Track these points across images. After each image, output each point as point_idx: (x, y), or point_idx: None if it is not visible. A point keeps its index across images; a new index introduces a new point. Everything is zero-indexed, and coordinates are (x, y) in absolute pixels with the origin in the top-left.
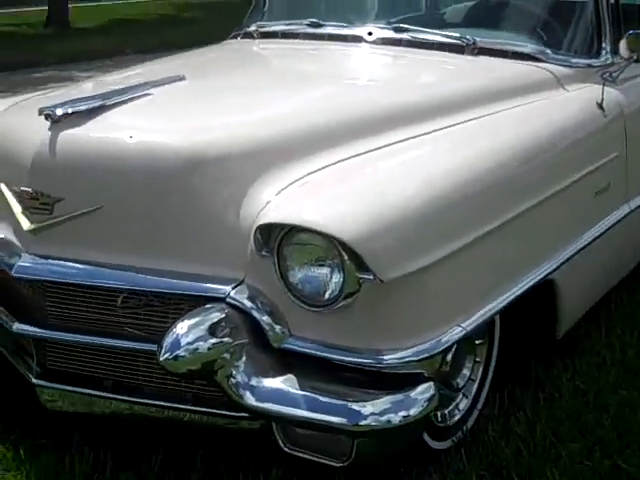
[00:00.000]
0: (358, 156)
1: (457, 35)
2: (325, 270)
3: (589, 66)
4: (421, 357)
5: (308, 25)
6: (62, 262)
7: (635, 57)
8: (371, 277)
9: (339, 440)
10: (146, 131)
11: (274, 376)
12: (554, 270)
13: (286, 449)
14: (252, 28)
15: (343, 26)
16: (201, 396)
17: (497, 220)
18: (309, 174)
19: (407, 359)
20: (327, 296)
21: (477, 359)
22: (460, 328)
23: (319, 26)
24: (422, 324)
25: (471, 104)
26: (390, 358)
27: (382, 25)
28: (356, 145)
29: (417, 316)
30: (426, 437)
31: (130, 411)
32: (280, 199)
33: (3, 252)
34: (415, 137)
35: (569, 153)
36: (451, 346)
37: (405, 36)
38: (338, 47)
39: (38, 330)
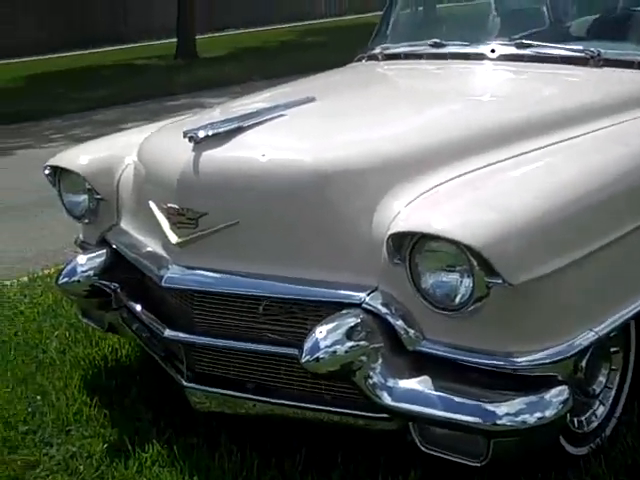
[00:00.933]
0: (482, 169)
1: (580, 48)
2: (455, 275)
3: None
4: (553, 360)
5: (431, 45)
6: (207, 272)
7: None
8: (500, 281)
9: (476, 440)
10: (280, 150)
11: (409, 377)
12: None
13: (423, 449)
14: (377, 50)
15: (465, 45)
16: (339, 397)
17: (623, 228)
18: (436, 186)
19: (539, 362)
20: (458, 300)
21: (613, 367)
22: (593, 333)
23: (441, 46)
24: (554, 328)
25: (594, 116)
26: (523, 360)
27: (504, 42)
28: (480, 158)
29: (548, 319)
30: (563, 442)
31: (272, 412)
32: (410, 209)
33: (153, 264)
34: (537, 149)
35: None
36: (584, 351)
37: (527, 52)
38: (461, 65)
39: (187, 336)
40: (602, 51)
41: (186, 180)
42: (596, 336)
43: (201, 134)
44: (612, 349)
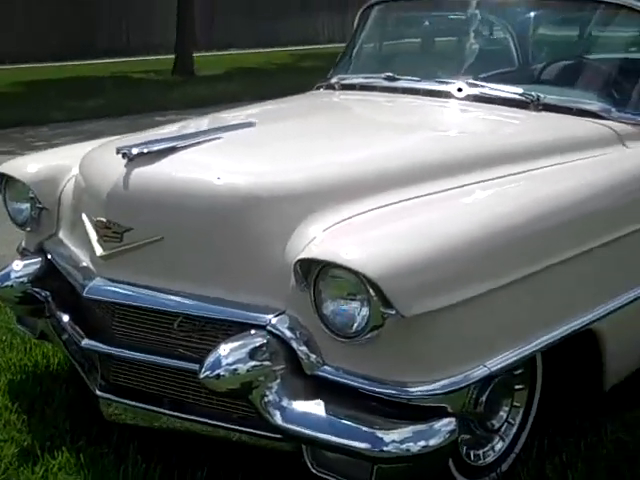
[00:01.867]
0: (403, 202)
1: (520, 91)
2: (354, 304)
3: None
4: (444, 392)
5: (384, 79)
6: (127, 286)
7: None
8: (394, 312)
9: (362, 465)
10: (206, 171)
11: (305, 400)
12: (595, 321)
13: (314, 471)
14: (334, 80)
15: (416, 80)
16: (246, 417)
17: (528, 268)
18: (353, 216)
19: (430, 393)
20: (354, 328)
21: (516, 403)
22: (485, 368)
23: (394, 80)
24: (447, 360)
25: (521, 158)
26: (415, 391)
27: (452, 81)
28: (405, 191)
29: (442, 352)
30: (456, 473)
31: (185, 428)
32: (320, 237)
33: (79, 275)
34: (465, 186)
35: (622, 207)
36: (479, 385)
37: (474, 91)
38: (407, 100)
39: (104, 346)
40: (542, 96)
41: (114, 195)
42: (488, 371)
43: (134, 151)
44: (517, 386)
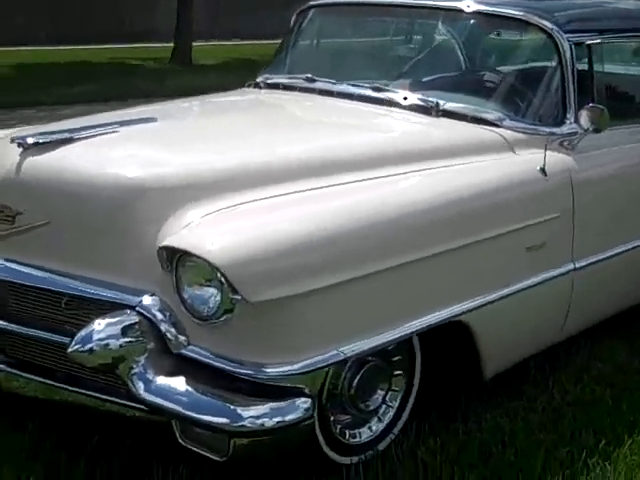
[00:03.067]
0: (279, 196)
1: (421, 97)
2: (208, 289)
3: (550, 134)
4: (298, 373)
5: (304, 80)
6: (21, 266)
7: (594, 128)
8: (239, 298)
9: (222, 438)
10: (92, 161)
11: (170, 377)
12: (464, 313)
13: (182, 442)
14: (260, 79)
15: (331, 82)
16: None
17: (387, 262)
18: (224, 208)
19: (284, 374)
20: (209, 312)
21: (395, 388)
22: (339, 352)
23: (313, 81)
24: (302, 344)
25: (409, 159)
26: (271, 371)
27: (364, 84)
28: (283, 186)
29: (296, 336)
30: (327, 450)
31: (75, 401)
32: (187, 227)
33: None
34: (345, 184)
35: (497, 208)
36: (328, 367)
37: (380, 95)
38: (320, 100)
39: (2, 322)
40: (441, 102)
41: (8, 180)
42: (342, 356)
43: (30, 140)
44: (395, 372)
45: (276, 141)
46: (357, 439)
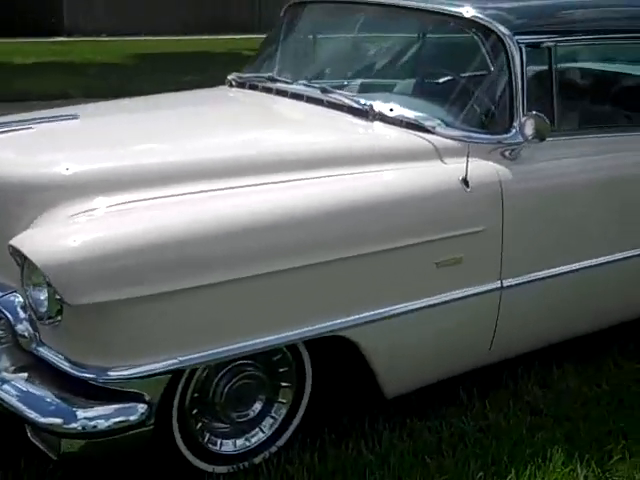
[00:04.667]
0: (143, 200)
1: (359, 100)
2: (42, 290)
3: (488, 142)
4: (132, 378)
5: (266, 79)
6: None
7: (535, 137)
8: (61, 300)
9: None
10: None
11: (18, 373)
12: (347, 328)
13: (30, 438)
14: (231, 77)
15: (287, 82)
16: None
17: (238, 272)
18: (83, 212)
19: (121, 379)
20: (45, 313)
21: (282, 400)
22: (177, 360)
23: (273, 81)
24: (138, 350)
25: (324, 164)
26: (108, 375)
27: (314, 85)
28: (156, 190)
29: (130, 342)
30: (191, 457)
31: None
32: (38, 228)
33: None
34: (232, 188)
35: (401, 219)
36: (166, 374)
37: (327, 97)
38: (269, 100)
39: None
40: (375, 106)
41: None
42: (179, 365)
43: None
44: (283, 383)
45: (178, 142)
46: (230, 448)
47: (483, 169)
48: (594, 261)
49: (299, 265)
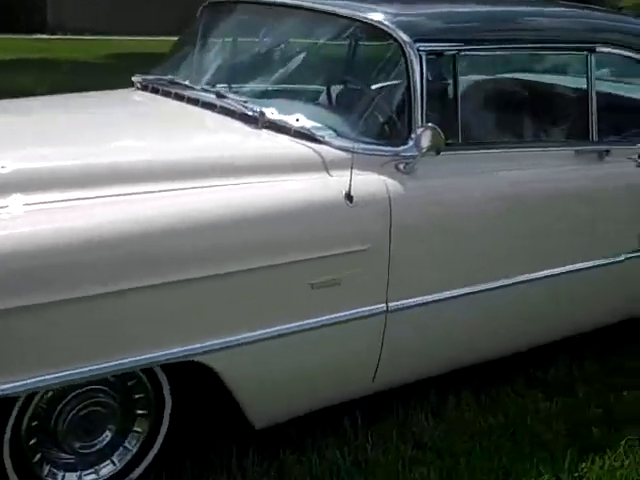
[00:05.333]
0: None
1: (250, 106)
2: None
3: (382, 154)
4: None
5: (168, 82)
6: None
7: (430, 150)
8: None
9: None
10: None
11: None
12: (201, 354)
13: None
14: (136, 78)
15: (188, 86)
16: None
17: (66, 294)
18: None
19: None
20: None
21: (137, 429)
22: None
23: (174, 84)
24: None
25: (199, 173)
26: None
27: (211, 89)
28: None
29: None
30: None
31: None
32: None
33: None
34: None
35: (269, 237)
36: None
37: (221, 103)
38: (165, 105)
39: None
40: (266, 113)
41: None
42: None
43: None
44: (139, 411)
45: (49, 146)
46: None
47: (372, 183)
48: (492, 284)
49: (150, 284)
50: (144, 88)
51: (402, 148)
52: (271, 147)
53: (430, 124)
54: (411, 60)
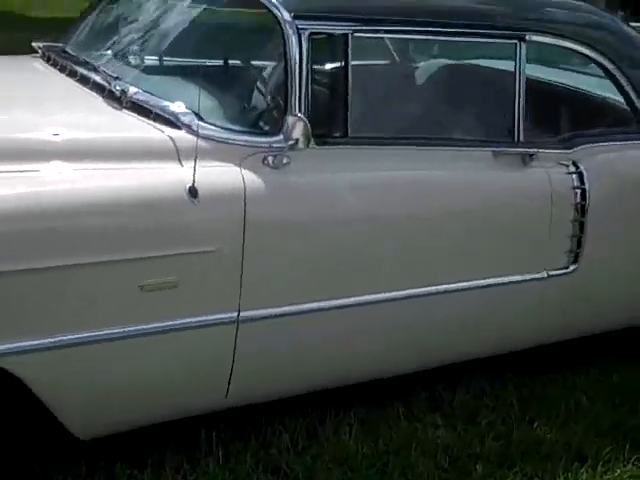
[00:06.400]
0: None
1: (116, 83)
2: None
3: (245, 145)
4: None
5: (60, 52)
6: None
7: (296, 143)
8: None
9: None
10: None
11: None
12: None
13: None
14: (36, 44)
15: (74, 58)
16: None
17: None
18: None
19: None
20: None
21: None
22: None
23: (63, 55)
24: None
25: (39, 155)
26: None
27: (95, 63)
28: None
29: None
30: None
31: None
32: None
33: None
34: None
35: (91, 232)
36: None
37: (96, 77)
38: (45, 76)
39: None
40: (129, 92)
41: None
42: None
43: None
44: None
45: None
46: None
47: (227, 177)
48: (363, 298)
49: None
50: (42, 56)
51: (271, 139)
52: (122, 131)
53: (299, 114)
54: (289, 39)
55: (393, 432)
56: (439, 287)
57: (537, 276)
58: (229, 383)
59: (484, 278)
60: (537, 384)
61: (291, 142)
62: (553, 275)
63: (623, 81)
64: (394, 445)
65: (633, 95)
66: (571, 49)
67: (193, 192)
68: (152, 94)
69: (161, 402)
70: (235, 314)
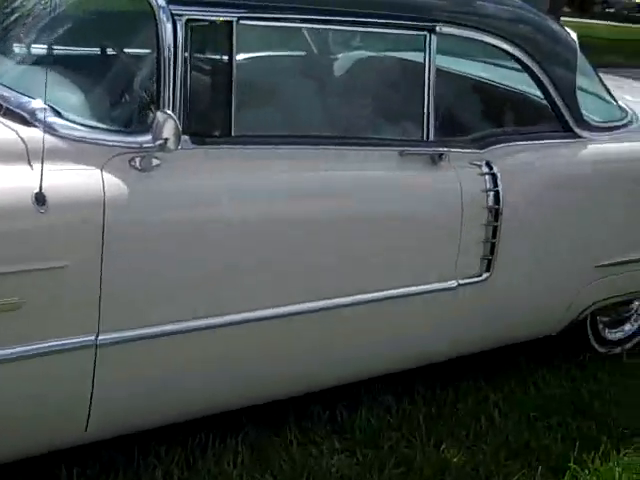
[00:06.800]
0: None
1: None
2: None
3: (107, 144)
4: None
5: None
6: None
7: (173, 145)
8: None
9: None
10: None
11: None
12: None
13: None
14: None
15: None
16: None
17: None
18: None
19: None
20: None
21: None
22: None
23: None
24: None
25: None
26: None
27: None
28: None
29: None
30: None
31: None
32: None
33: None
34: None
35: None
36: None
37: None
38: None
39: None
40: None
41: None
42: None
43: None
44: None
45: None
46: None
47: (83, 181)
48: (244, 315)
49: None
50: None
51: (138, 139)
52: None
53: (168, 111)
54: (162, 26)
55: (284, 460)
56: (335, 300)
57: (447, 285)
58: (89, 415)
59: (388, 289)
60: (449, 397)
61: (160, 142)
62: (464, 284)
63: (543, 78)
64: (284, 476)
65: (553, 92)
66: (487, 42)
67: (40, 199)
68: (10, 88)
69: (10, 438)
70: (93, 337)
